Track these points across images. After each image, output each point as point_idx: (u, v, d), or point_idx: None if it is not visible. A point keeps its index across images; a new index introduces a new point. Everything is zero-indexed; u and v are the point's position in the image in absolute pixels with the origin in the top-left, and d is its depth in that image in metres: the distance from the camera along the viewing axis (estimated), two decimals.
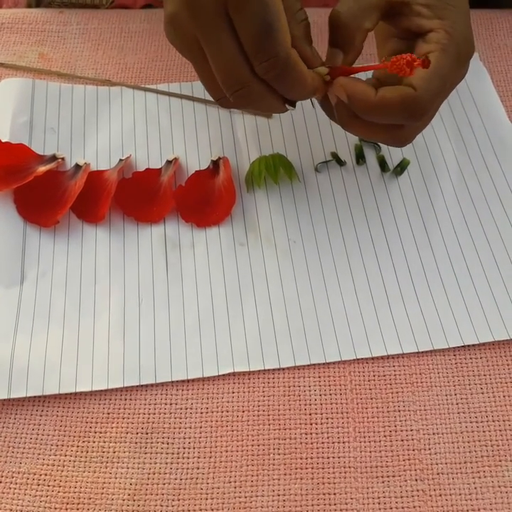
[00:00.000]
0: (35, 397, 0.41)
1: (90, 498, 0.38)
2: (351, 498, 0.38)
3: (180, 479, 0.39)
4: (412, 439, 0.40)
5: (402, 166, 0.50)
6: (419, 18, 0.39)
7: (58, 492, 0.38)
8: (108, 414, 0.41)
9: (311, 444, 0.40)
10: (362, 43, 0.40)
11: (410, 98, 0.37)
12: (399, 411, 0.41)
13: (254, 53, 0.37)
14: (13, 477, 0.39)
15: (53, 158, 0.50)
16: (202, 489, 0.38)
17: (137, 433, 0.40)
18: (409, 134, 0.41)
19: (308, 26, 0.39)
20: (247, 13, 0.35)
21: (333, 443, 0.40)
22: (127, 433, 0.40)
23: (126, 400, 0.41)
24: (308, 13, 0.58)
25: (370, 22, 0.39)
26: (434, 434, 0.40)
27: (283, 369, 0.42)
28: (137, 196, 0.49)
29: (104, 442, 0.40)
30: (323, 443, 0.40)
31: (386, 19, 0.41)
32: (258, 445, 0.40)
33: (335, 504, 0.38)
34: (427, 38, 0.39)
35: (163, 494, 0.38)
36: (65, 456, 0.39)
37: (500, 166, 0.50)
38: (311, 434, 0.40)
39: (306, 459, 0.39)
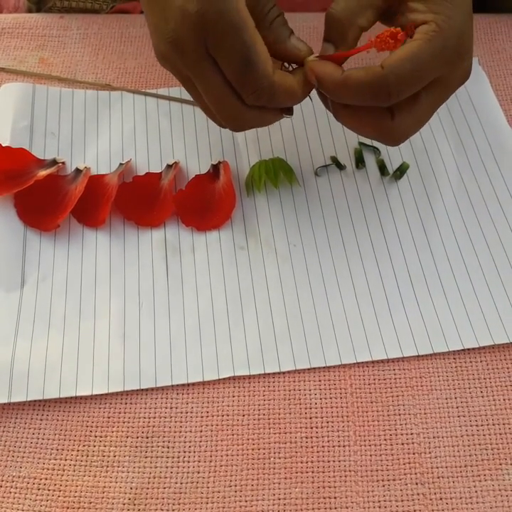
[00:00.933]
0: (35, 401, 0.41)
1: (91, 503, 0.38)
2: (352, 502, 0.38)
3: (181, 483, 0.39)
4: (413, 443, 0.40)
5: (401, 170, 0.50)
6: (414, 14, 0.39)
7: (59, 496, 0.38)
8: (108, 418, 0.41)
9: (312, 447, 0.40)
10: (355, 40, 0.40)
11: (375, 75, 0.37)
12: (399, 415, 0.41)
13: (240, 87, 0.38)
14: (13, 481, 0.39)
15: (54, 162, 0.51)
16: (202, 493, 0.38)
17: (137, 437, 0.40)
18: (400, 129, 0.40)
19: (282, 23, 0.40)
20: (225, 51, 0.37)
21: (333, 447, 0.40)
22: (127, 437, 0.40)
23: (126, 404, 0.41)
24: (309, 18, 0.58)
25: (364, 19, 0.40)
26: (434, 437, 0.40)
27: (283, 373, 0.42)
28: (137, 200, 0.49)
29: (105, 446, 0.40)
30: (323, 447, 0.40)
31: (385, 20, 0.41)
32: (258, 449, 0.40)
33: (335, 508, 0.38)
34: (418, 29, 0.38)
35: (163, 498, 0.38)
36: (66, 460, 0.39)
37: (500, 170, 0.50)
38: (311, 437, 0.40)
39: (307, 462, 0.39)
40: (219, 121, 0.42)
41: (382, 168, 0.50)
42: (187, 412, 0.41)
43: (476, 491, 0.38)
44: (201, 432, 0.40)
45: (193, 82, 0.39)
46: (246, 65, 0.37)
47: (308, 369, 0.42)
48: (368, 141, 0.51)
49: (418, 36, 0.38)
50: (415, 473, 0.39)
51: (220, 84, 0.38)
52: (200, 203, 0.49)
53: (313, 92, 0.41)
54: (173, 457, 0.39)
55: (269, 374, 0.42)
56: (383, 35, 0.37)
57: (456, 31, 0.38)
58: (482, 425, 0.40)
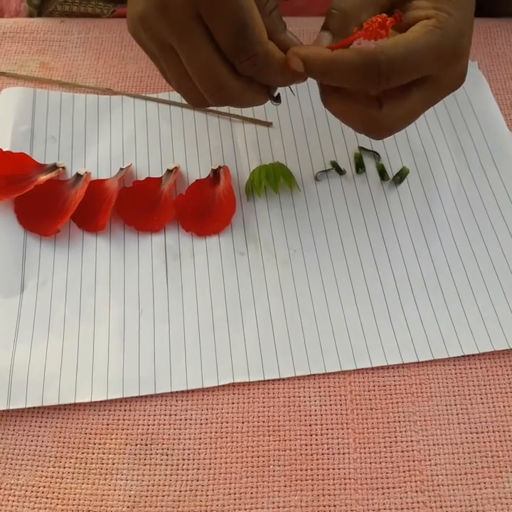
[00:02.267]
0: (34, 408, 0.41)
1: (89, 511, 0.38)
2: (351, 510, 0.38)
3: (180, 491, 0.38)
4: (412, 450, 0.39)
5: (401, 175, 0.50)
6: (418, 11, 0.38)
7: (57, 504, 0.38)
8: (107, 425, 0.41)
9: (311, 455, 0.39)
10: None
11: (366, 53, 0.36)
12: (399, 421, 0.40)
13: (232, 54, 0.37)
14: (11, 489, 0.39)
15: (54, 167, 0.51)
16: (201, 501, 0.38)
17: (136, 444, 0.40)
18: (387, 121, 0.39)
19: (279, 15, 0.39)
20: (220, 15, 0.36)
21: (333, 454, 0.39)
22: (126, 444, 0.40)
23: (125, 410, 0.41)
24: (309, 22, 0.58)
25: (367, 16, 0.39)
26: (434, 444, 0.40)
27: (283, 379, 0.42)
28: (138, 205, 0.49)
29: (104, 454, 0.40)
30: (323, 454, 0.39)
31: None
32: (258, 456, 0.39)
33: None
34: (418, 23, 0.38)
35: (162, 506, 0.38)
36: (64, 467, 0.39)
37: (499, 174, 0.50)
38: (311, 445, 0.40)
39: (306, 470, 0.39)
40: (195, 98, 0.40)
41: (382, 173, 0.50)
42: (186, 419, 0.41)
43: (476, 499, 0.38)
44: (200, 439, 0.40)
45: (173, 48, 0.37)
46: (242, 30, 0.36)
47: (308, 376, 0.42)
48: (368, 145, 0.51)
49: (417, 28, 0.37)
50: (415, 481, 0.38)
51: (208, 50, 0.37)
52: (201, 207, 0.49)
53: (313, 94, 0.41)
54: (172, 465, 0.39)
55: (268, 381, 0.42)
56: (372, 26, 0.36)
57: (456, 30, 0.38)
58: (482, 432, 0.40)
